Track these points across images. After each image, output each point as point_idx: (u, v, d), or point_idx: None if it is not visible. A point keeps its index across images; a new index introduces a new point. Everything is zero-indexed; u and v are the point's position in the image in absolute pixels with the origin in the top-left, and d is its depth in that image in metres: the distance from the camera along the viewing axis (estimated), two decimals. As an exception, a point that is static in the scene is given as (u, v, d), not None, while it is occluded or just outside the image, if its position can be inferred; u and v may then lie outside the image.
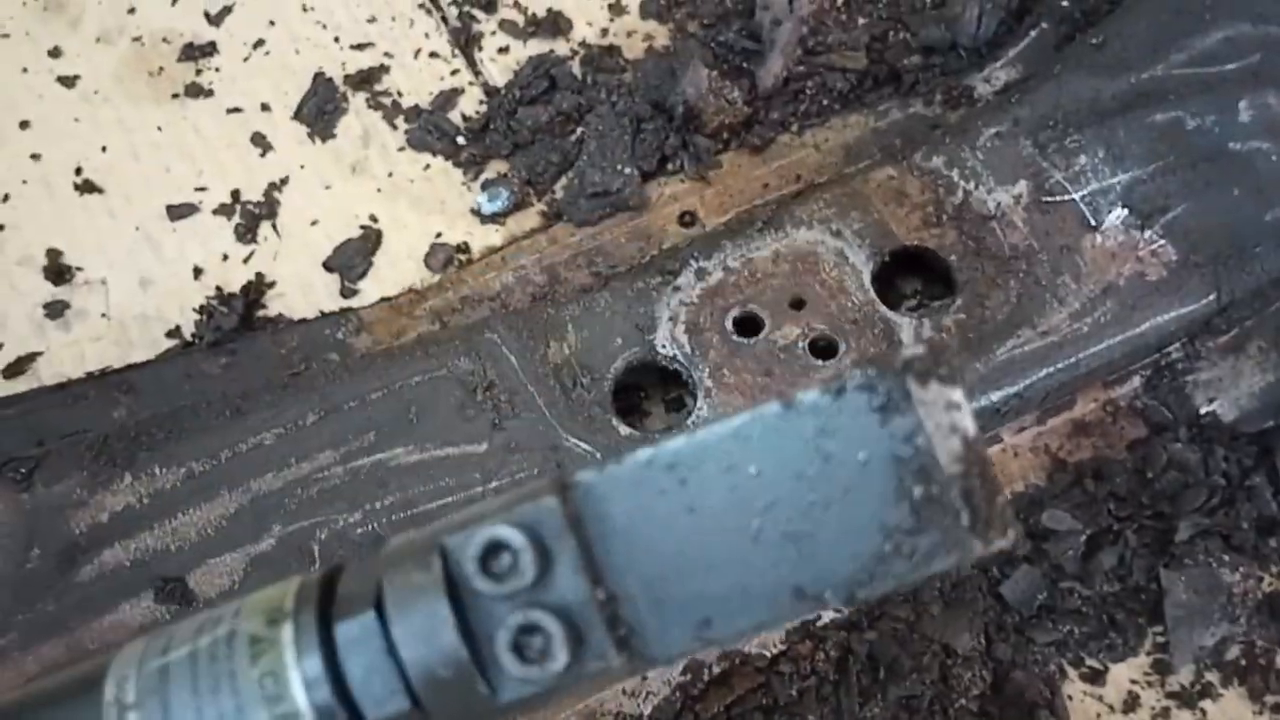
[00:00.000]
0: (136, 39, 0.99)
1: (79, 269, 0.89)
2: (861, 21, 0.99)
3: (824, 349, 0.82)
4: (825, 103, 0.97)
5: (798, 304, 0.84)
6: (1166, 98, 0.86)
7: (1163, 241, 0.83)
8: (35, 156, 0.93)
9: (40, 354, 0.85)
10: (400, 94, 0.98)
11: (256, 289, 0.88)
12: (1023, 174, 0.86)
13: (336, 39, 1.00)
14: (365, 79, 0.98)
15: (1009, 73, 0.97)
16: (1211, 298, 0.82)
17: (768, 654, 0.77)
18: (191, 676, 0.32)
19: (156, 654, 0.33)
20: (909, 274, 0.88)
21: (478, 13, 1.01)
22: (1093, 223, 0.84)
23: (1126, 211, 0.84)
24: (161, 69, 0.98)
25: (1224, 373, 0.85)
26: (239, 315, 0.85)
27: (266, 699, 0.31)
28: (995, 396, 0.80)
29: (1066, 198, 0.85)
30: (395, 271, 0.90)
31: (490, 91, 0.98)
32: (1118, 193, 0.85)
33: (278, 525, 0.74)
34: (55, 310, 0.87)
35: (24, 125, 0.94)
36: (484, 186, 0.93)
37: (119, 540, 0.73)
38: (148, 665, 0.33)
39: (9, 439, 0.77)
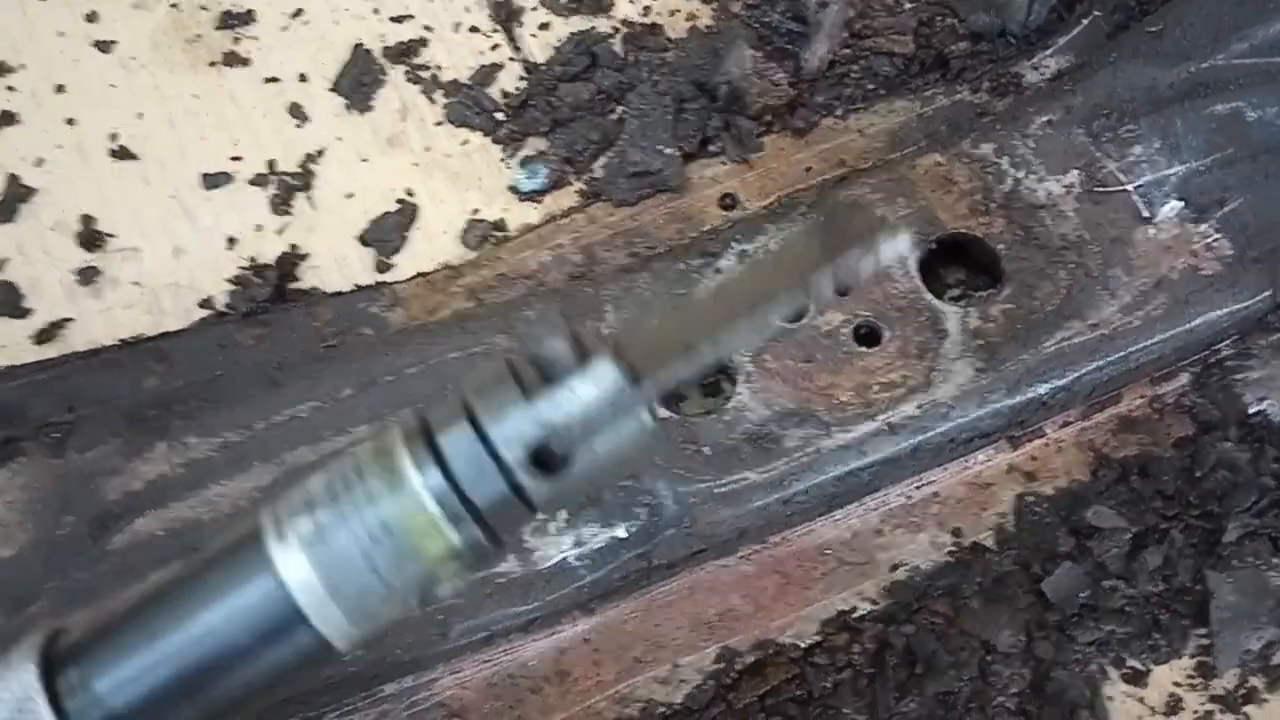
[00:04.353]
0: (174, 5, 0.98)
1: (112, 236, 0.88)
2: (909, 6, 0.97)
3: (868, 336, 0.81)
4: (870, 87, 0.95)
5: (842, 290, 0.82)
6: (1226, 88, 0.84)
7: (1218, 235, 0.82)
8: (70, 121, 0.92)
9: (71, 320, 0.84)
10: (439, 68, 0.96)
11: (290, 261, 0.87)
12: (1075, 163, 0.84)
13: (376, 10, 0.98)
14: (404, 52, 0.96)
15: (1059, 61, 0.95)
16: (1267, 294, 0.80)
17: (802, 644, 0.76)
18: (334, 500, 0.41)
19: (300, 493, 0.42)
20: (954, 263, 0.87)
21: (519, -13, 1.00)
22: (1146, 214, 0.83)
23: (1182, 203, 0.82)
24: (199, 36, 0.97)
25: (1275, 371, 0.83)
26: (272, 287, 0.84)
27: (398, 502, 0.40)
28: (1042, 389, 0.78)
29: (1120, 188, 0.83)
30: (431, 247, 0.89)
31: (530, 68, 0.96)
32: (1173, 184, 0.83)
33: (311, 499, 0.73)
34: (87, 277, 0.86)
35: (59, 89, 0.93)
36: (522, 163, 0.92)
37: (152, 509, 0.72)
38: (294, 502, 0.41)
39: (41, 404, 0.76)
